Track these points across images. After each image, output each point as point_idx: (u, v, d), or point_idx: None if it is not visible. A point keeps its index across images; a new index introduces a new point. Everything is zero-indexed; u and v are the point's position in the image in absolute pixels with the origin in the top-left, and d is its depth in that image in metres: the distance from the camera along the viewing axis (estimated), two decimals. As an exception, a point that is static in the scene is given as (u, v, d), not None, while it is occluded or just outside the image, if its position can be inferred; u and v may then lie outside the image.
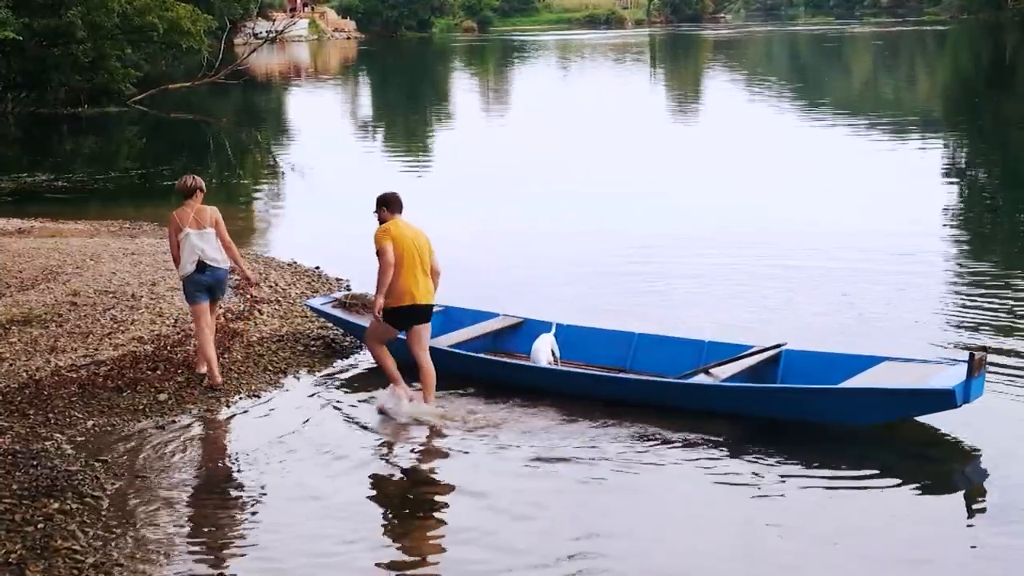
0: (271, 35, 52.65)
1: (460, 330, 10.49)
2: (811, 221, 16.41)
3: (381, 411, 9.04)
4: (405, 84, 53.62)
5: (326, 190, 21.74)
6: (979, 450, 8.12)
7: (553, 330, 10.10)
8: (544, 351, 9.73)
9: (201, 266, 9.53)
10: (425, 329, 9.16)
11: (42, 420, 8.69)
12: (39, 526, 6.87)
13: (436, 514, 7.28)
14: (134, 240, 14.99)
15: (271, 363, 10.27)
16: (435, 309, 10.82)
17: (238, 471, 8.04)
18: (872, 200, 18.17)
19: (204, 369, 9.74)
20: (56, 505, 7.18)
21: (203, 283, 9.57)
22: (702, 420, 8.63)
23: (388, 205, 9.27)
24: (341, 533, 7.01)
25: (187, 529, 7.09)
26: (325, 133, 32.79)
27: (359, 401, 9.40)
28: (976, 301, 11.81)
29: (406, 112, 39.79)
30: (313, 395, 9.61)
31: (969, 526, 7.09)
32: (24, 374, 9.60)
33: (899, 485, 7.57)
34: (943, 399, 8.11)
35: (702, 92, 44.76)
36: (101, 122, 34.73)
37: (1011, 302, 11.70)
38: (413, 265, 8.95)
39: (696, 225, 16.28)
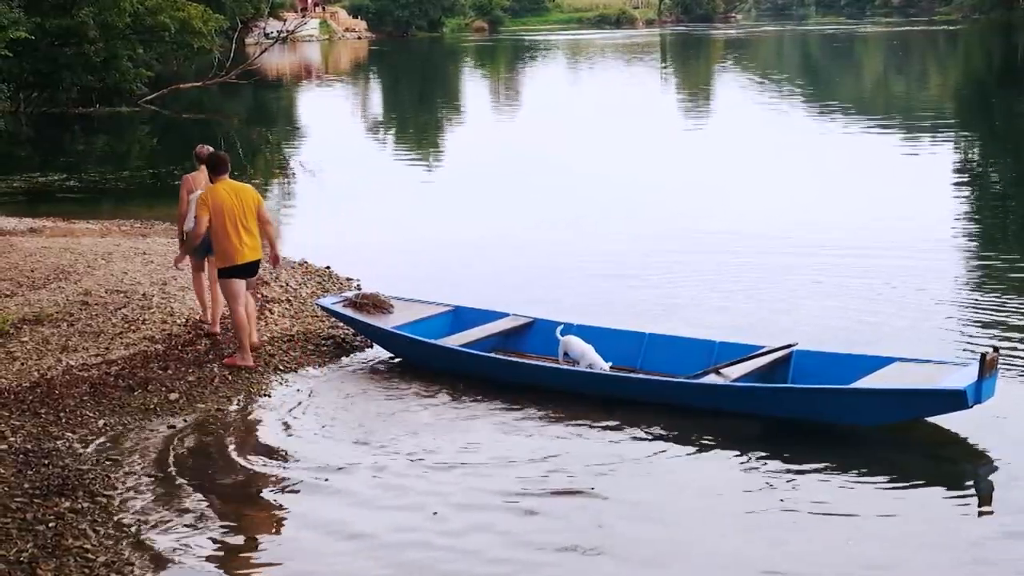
0: (282, 35, 52.71)
1: (470, 330, 10.48)
2: (821, 221, 16.35)
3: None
4: (416, 84, 53.62)
5: (337, 190, 21.76)
6: (990, 451, 8.09)
7: (560, 329, 10.09)
8: (590, 349, 9.70)
9: None
10: (250, 280, 10.22)
11: (53, 419, 8.71)
12: (50, 525, 6.89)
13: (442, 511, 7.26)
14: (145, 239, 15.02)
15: (282, 363, 10.29)
16: (444, 309, 10.91)
17: (248, 470, 8.04)
18: (883, 199, 18.11)
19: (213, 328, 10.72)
20: (67, 504, 7.20)
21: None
22: (713, 420, 8.63)
23: (212, 168, 10.05)
24: (351, 534, 7.02)
25: (198, 528, 7.09)
26: (336, 133, 32.83)
27: (369, 400, 9.41)
28: (987, 301, 11.77)
29: (417, 112, 39.79)
30: (323, 395, 9.62)
31: (981, 527, 7.06)
32: (36, 373, 9.63)
33: (910, 486, 7.55)
34: (954, 400, 8.09)
35: (713, 92, 44.66)
36: (113, 122, 34.80)
37: (1022, 302, 11.65)
38: (236, 227, 9.82)
39: (707, 225, 16.25)
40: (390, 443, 8.45)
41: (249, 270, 10.02)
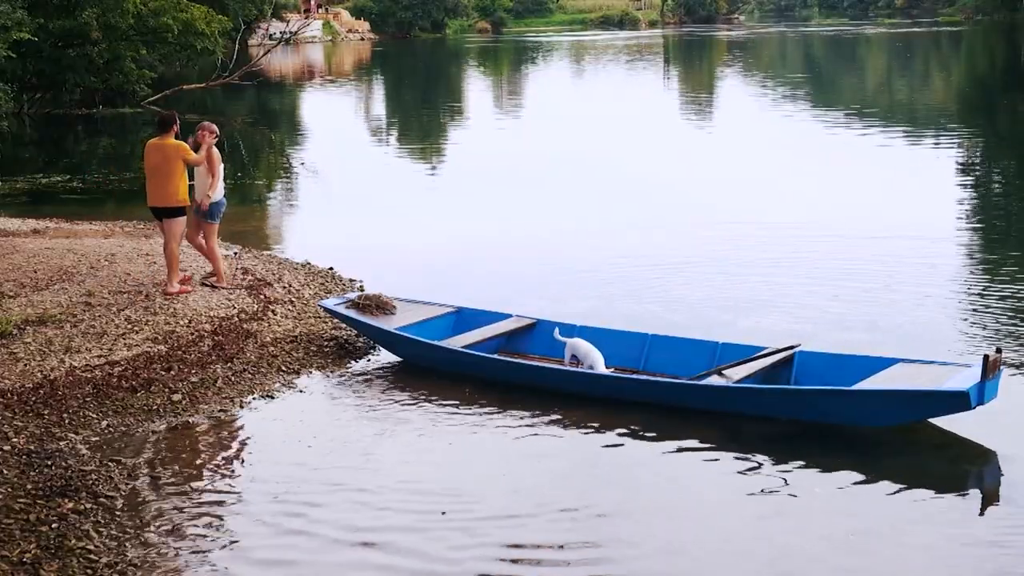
0: (285, 36, 52.63)
1: (473, 331, 10.48)
2: (825, 222, 16.33)
3: None
4: (419, 85, 53.65)
5: (340, 191, 21.78)
6: (994, 452, 8.10)
7: (558, 331, 10.08)
8: (594, 351, 9.69)
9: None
10: (169, 223, 11.88)
11: (56, 420, 8.72)
12: (53, 526, 6.90)
13: (447, 512, 7.27)
14: (148, 240, 15.00)
15: (284, 364, 10.29)
16: (448, 310, 10.91)
17: (251, 471, 8.05)
18: (886, 201, 18.11)
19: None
20: (70, 505, 7.21)
21: (224, 205, 12.45)
22: (716, 421, 8.63)
23: (156, 126, 12.29)
24: (356, 535, 7.02)
25: (201, 529, 7.10)
26: (339, 134, 32.83)
27: (373, 401, 9.42)
28: (990, 302, 11.76)
29: (420, 113, 39.80)
30: (326, 396, 9.63)
31: (984, 527, 7.05)
32: (39, 374, 9.63)
33: (913, 487, 7.54)
34: (957, 401, 8.09)
35: (717, 92, 44.66)
36: (116, 123, 34.81)
37: (1026, 304, 11.66)
38: (154, 176, 11.99)
39: (709, 226, 16.22)
40: (392, 445, 8.45)
41: (160, 213, 11.96)
